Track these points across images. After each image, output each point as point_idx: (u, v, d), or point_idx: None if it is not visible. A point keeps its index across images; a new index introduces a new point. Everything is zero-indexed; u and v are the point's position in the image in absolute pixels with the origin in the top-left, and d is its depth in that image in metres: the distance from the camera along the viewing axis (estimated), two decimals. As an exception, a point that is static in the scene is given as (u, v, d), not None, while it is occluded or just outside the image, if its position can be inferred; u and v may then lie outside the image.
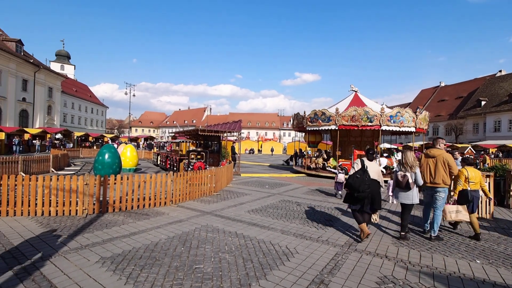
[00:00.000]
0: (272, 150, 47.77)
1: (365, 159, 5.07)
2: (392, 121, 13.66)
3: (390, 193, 7.80)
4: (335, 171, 10.50)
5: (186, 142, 23.55)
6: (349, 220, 6.25)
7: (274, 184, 11.84)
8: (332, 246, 4.53)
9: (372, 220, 5.06)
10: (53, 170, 13.20)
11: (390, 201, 8.36)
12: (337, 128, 14.23)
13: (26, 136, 27.35)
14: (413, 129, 14.65)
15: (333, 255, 4.13)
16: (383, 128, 13.56)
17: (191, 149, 15.66)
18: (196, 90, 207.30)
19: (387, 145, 34.20)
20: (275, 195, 9.24)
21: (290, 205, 7.70)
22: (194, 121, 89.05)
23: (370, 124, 13.50)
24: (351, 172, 4.99)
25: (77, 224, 5.20)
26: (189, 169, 11.40)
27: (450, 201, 5.29)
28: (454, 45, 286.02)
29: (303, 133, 19.25)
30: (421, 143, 24.34)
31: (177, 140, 27.38)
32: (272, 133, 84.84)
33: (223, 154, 17.49)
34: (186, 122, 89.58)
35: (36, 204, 5.64)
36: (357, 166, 5.00)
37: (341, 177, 9.05)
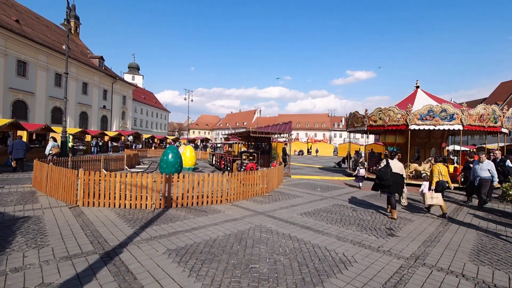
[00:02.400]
0: (316, 151, 46.21)
1: (389, 159, 6.92)
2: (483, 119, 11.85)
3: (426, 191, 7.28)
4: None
5: (238, 143, 24.38)
6: (415, 229, 5.66)
7: (326, 187, 11.43)
8: (396, 258, 4.15)
9: (401, 203, 7.16)
10: (126, 167, 15.08)
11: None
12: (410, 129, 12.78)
13: (106, 138, 31.78)
14: (505, 130, 12.68)
15: (397, 268, 3.79)
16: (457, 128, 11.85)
17: (243, 150, 16.17)
18: (247, 93, 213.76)
19: (457, 147, 29.99)
20: (328, 198, 8.91)
21: (345, 210, 7.33)
22: (244, 123, 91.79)
23: (448, 123, 11.83)
24: (379, 167, 6.89)
25: (147, 217, 5.82)
26: (242, 169, 11.76)
27: (429, 190, 7.07)
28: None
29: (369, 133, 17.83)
30: (502, 144, 20.70)
31: (230, 142, 28.56)
32: (322, 134, 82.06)
33: (273, 155, 17.60)
34: (237, 124, 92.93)
35: (114, 197, 6.51)
36: (383, 163, 6.85)
37: (362, 172, 11.18)
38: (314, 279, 3.37)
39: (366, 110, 13.86)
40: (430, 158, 14.70)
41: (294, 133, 73.06)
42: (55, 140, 13.20)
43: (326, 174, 16.84)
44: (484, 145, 20.28)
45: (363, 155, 18.04)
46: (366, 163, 16.76)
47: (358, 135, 26.37)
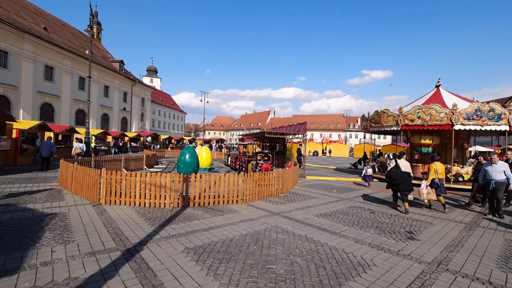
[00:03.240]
0: (329, 151, 45.42)
1: (397, 159, 7.64)
2: None
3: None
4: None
5: (252, 144, 24.47)
6: (436, 233, 5.46)
7: (342, 188, 11.24)
8: (417, 263, 4.03)
9: (408, 197, 7.37)
10: (145, 167, 15.54)
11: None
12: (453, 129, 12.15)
13: (126, 139, 32.89)
14: None
15: (418, 273, 3.67)
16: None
17: (257, 150, 16.21)
18: (261, 95, 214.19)
19: (479, 148, 28.54)
20: (344, 200, 8.76)
21: (362, 212, 7.18)
22: (259, 123, 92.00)
23: (495, 123, 11.14)
24: (389, 168, 7.64)
25: (165, 216, 5.98)
26: (257, 170, 11.80)
27: (425, 186, 7.59)
28: None
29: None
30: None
31: (245, 142, 28.74)
32: (337, 135, 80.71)
33: (288, 156, 17.52)
34: (251, 125, 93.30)
35: (135, 196, 6.74)
36: (392, 163, 7.59)
37: (370, 171, 12.06)
38: (332, 281, 3.34)
39: (400, 108, 13.28)
40: (472, 160, 14.12)
41: (308, 133, 72.33)
42: (80, 141, 13.87)
43: (342, 175, 16.55)
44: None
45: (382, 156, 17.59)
46: (374, 163, 16.42)
47: (375, 136, 25.59)
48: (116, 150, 27.50)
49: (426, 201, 8.05)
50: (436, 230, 5.77)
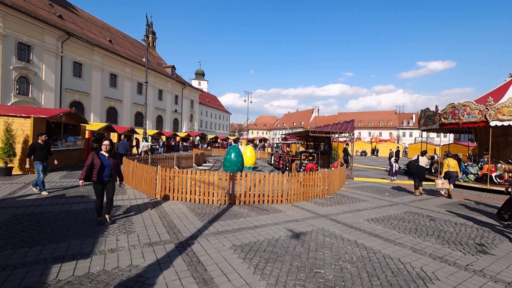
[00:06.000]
0: (377, 151, 42.11)
1: (420, 156, 9.80)
2: None
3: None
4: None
5: (296, 143, 24.13)
6: (517, 249, 4.66)
7: (396, 192, 10.35)
8: (492, 281, 3.48)
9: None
10: (195, 165, 16.53)
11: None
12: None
13: (178, 139, 35.40)
14: None
15: (494, 293, 3.17)
16: None
17: (301, 150, 15.92)
18: (304, 93, 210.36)
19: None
20: (399, 204, 8.06)
21: (420, 218, 6.51)
22: (302, 122, 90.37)
23: None
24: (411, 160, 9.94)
25: (214, 212, 6.24)
26: (301, 170, 11.58)
27: (440, 178, 9.26)
28: None
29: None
30: None
31: (288, 142, 28.52)
32: (388, 133, 74.57)
33: (334, 156, 16.82)
34: (294, 124, 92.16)
35: (186, 192, 7.18)
36: (414, 158, 9.88)
37: (397, 166, 13.62)
38: (386, 293, 3.08)
39: (436, 107, 12.06)
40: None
41: (356, 132, 68.43)
42: (146, 140, 15.48)
43: (396, 178, 15.22)
44: None
45: (436, 157, 15.68)
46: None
47: (433, 134, 23.01)
48: (164, 150, 29.68)
49: (442, 191, 9.62)
50: (516, 244, 4.93)
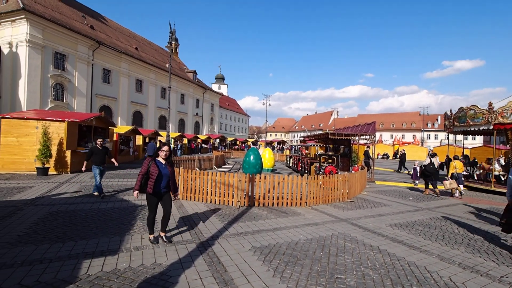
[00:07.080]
0: (397, 155, 40.22)
1: (431, 158, 10.60)
2: None
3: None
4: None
5: (315, 145, 23.81)
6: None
7: (421, 197, 9.90)
8: (529, 295, 3.24)
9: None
10: (215, 167, 16.84)
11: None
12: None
13: (199, 141, 36.23)
14: None
15: (532, 308, 2.95)
16: None
17: (320, 152, 15.69)
18: (323, 95, 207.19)
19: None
20: (424, 210, 7.70)
21: (448, 225, 6.18)
22: (321, 125, 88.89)
23: None
24: (425, 163, 10.76)
25: (233, 214, 6.33)
26: (320, 172, 11.42)
27: (447, 179, 10.08)
28: None
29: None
30: None
31: (307, 144, 28.21)
32: (411, 135, 71.02)
33: (354, 158, 16.40)
34: (313, 126, 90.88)
35: (206, 193, 7.34)
36: (427, 161, 10.58)
37: (418, 169, 13.09)
38: (411, 301, 2.97)
39: (490, 104, 11.21)
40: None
41: (377, 134, 66.12)
42: (169, 143, 16.09)
43: (419, 182, 14.55)
44: None
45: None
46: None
47: (460, 137, 21.56)
48: (182, 152, 30.22)
49: (450, 190, 10.27)
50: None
